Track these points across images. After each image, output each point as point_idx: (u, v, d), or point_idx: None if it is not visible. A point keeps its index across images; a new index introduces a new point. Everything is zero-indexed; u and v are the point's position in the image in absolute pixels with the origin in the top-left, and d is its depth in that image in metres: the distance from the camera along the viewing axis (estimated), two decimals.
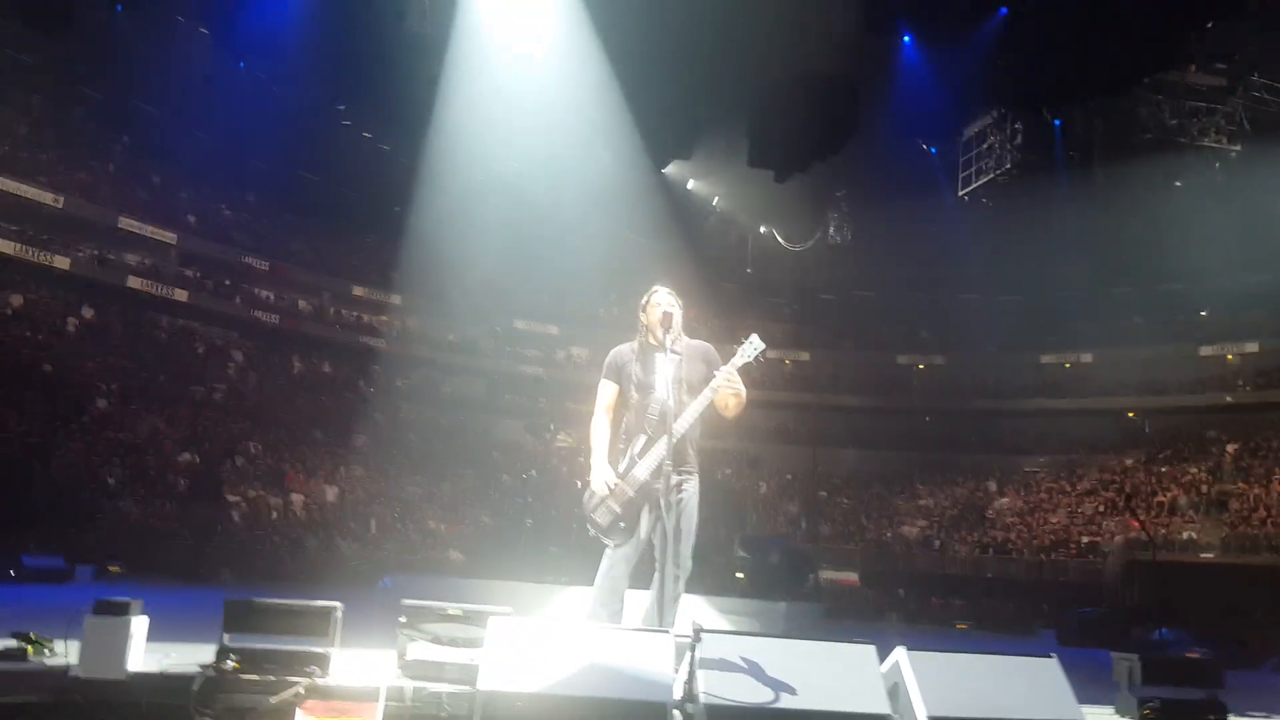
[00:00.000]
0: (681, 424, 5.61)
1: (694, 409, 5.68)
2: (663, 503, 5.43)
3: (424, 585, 14.33)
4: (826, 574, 34.61)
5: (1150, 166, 30.69)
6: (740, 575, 20.35)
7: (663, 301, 5.98)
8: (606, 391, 6.08)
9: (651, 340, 6.02)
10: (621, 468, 5.78)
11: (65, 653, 5.24)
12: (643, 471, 5.69)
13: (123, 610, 5.04)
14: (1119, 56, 20.07)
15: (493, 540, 16.06)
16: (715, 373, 5.75)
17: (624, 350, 6.12)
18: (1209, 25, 24.32)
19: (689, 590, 5.88)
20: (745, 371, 5.75)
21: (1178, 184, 33.86)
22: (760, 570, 18.24)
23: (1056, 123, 28.37)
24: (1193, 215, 33.98)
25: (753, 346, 5.76)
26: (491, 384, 44.73)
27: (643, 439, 5.77)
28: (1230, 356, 41.46)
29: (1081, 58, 18.86)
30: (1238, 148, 29.54)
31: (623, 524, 5.68)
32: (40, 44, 30.94)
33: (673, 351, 5.75)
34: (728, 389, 5.66)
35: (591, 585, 5.97)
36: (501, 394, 44.54)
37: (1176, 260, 38.37)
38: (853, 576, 36.00)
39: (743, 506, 40.60)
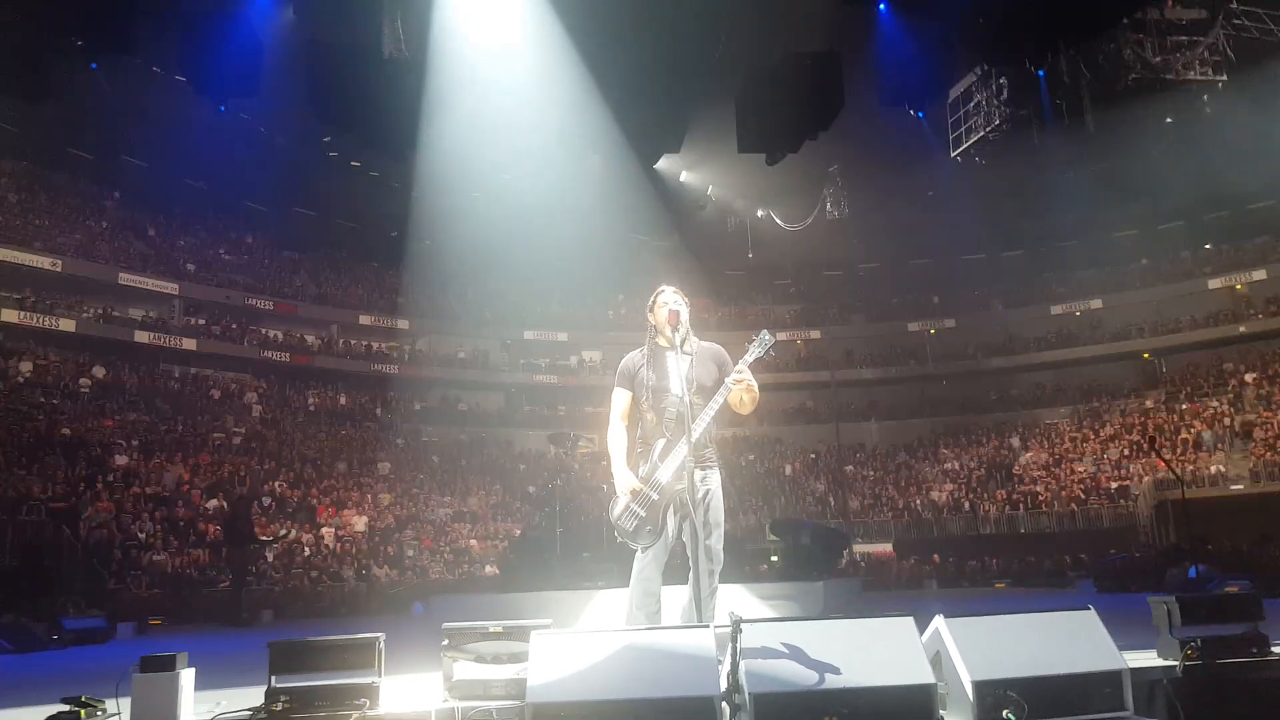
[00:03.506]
0: (698, 427, 5.60)
1: (709, 412, 5.67)
2: (689, 501, 5.47)
3: (460, 605, 14.34)
4: (860, 548, 34.75)
5: (1139, 107, 30.61)
6: (774, 559, 20.30)
7: (669, 301, 5.98)
8: (620, 399, 6.08)
9: (661, 341, 6.05)
10: (643, 472, 5.79)
11: (117, 711, 5.30)
12: (665, 474, 5.69)
13: (169, 665, 5.08)
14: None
15: (525, 552, 16.04)
16: (727, 376, 5.73)
17: (634, 356, 6.13)
18: None
19: (727, 580, 5.91)
20: (759, 360, 5.73)
21: (1168, 121, 33.86)
22: (793, 552, 18.17)
23: (1040, 74, 28.23)
24: (1187, 150, 34.00)
25: (762, 344, 5.68)
26: (508, 396, 44.97)
27: (662, 442, 5.77)
28: (1239, 286, 41.39)
29: (1058, 4, 18.73)
30: (1223, 78, 29.42)
31: (649, 527, 5.69)
32: (21, 110, 31.02)
33: (683, 352, 5.79)
34: (740, 386, 5.68)
35: (626, 586, 6.02)
36: (519, 405, 44.79)
37: (1175, 197, 38.44)
38: (887, 547, 36.09)
39: (769, 490, 40.67)
